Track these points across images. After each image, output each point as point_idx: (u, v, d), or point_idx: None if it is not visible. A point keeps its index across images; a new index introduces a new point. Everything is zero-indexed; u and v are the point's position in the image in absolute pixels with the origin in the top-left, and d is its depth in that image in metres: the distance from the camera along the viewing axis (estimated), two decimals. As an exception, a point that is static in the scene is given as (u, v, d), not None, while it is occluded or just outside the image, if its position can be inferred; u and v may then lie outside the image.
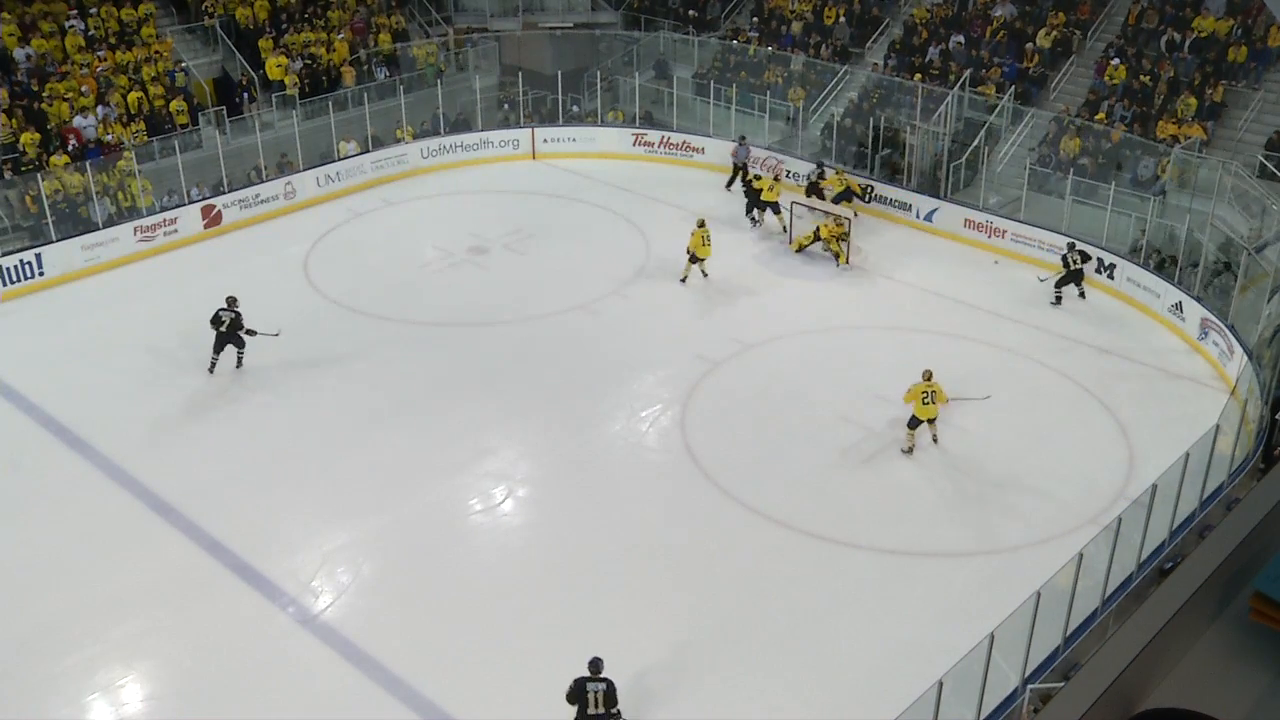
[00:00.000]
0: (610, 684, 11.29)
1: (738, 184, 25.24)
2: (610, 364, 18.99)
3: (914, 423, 16.19)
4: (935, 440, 16.44)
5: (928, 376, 16.05)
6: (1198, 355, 19.18)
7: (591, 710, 11.26)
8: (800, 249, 22.61)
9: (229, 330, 18.09)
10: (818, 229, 22.40)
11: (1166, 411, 17.64)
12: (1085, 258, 20.81)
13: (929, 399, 15.94)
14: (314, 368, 18.74)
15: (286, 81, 27.19)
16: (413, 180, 26.72)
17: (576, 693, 11.26)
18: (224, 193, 24.09)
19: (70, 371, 18.57)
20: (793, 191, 24.34)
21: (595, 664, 11.33)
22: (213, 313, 18.11)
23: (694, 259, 21.29)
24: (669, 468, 16.25)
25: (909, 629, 13.18)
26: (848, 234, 22.17)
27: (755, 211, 23.88)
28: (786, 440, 16.86)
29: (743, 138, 26.30)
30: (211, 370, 18.25)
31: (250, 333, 18.29)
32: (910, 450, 16.28)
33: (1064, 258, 20.85)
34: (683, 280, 21.43)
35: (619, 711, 11.41)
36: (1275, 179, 21.62)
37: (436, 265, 22.65)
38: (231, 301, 18.26)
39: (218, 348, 18.16)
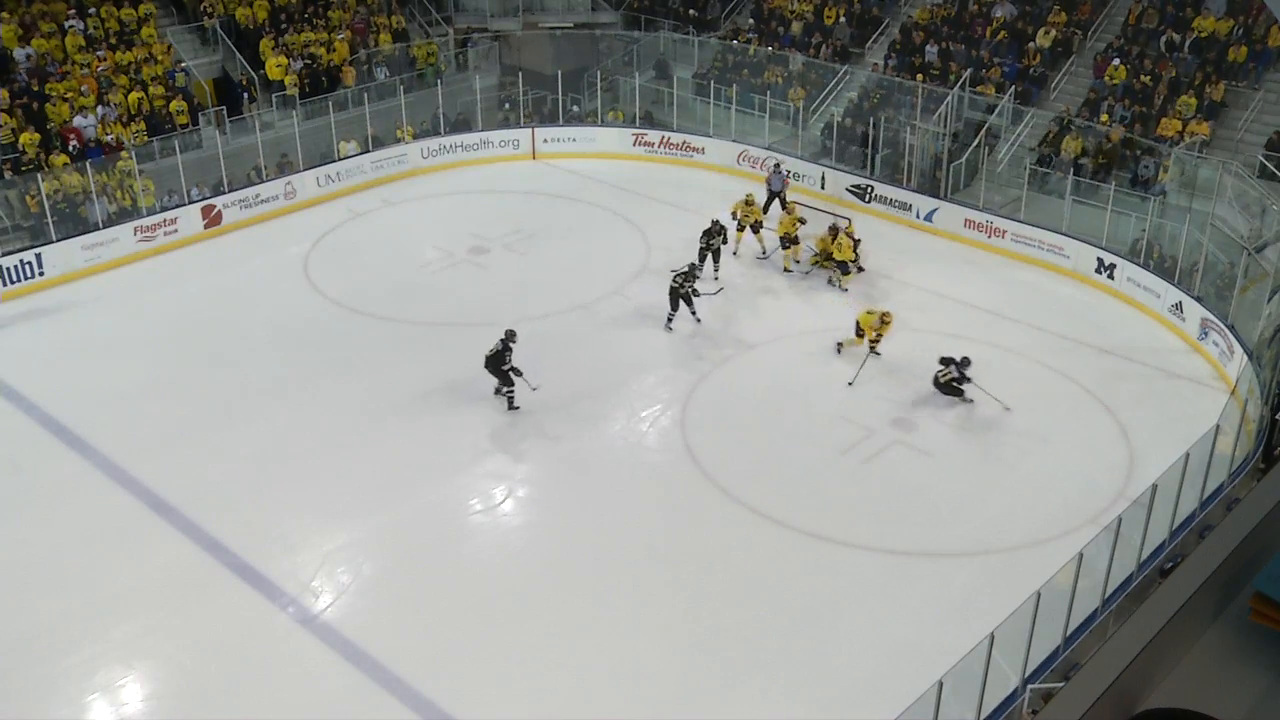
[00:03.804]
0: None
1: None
2: (610, 364, 18.99)
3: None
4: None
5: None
6: (1198, 355, 19.18)
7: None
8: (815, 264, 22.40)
9: (489, 363, 17.02)
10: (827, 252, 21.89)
11: (1166, 411, 17.64)
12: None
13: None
14: (314, 368, 18.74)
15: (286, 81, 27.19)
16: (413, 180, 26.73)
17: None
18: (224, 193, 24.09)
19: (70, 371, 18.58)
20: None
21: None
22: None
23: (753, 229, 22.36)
24: (669, 468, 16.25)
25: (909, 629, 13.18)
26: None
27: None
28: (786, 440, 16.86)
29: (778, 164, 24.90)
30: (498, 394, 17.42)
31: (516, 371, 17.04)
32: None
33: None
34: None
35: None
36: (1275, 179, 21.62)
37: (436, 265, 22.65)
38: (508, 335, 17.12)
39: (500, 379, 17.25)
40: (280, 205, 24.79)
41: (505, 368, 17.03)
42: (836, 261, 21.31)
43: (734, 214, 22.31)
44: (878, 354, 18.71)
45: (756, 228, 22.50)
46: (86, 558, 14.26)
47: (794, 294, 21.38)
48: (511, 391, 17.18)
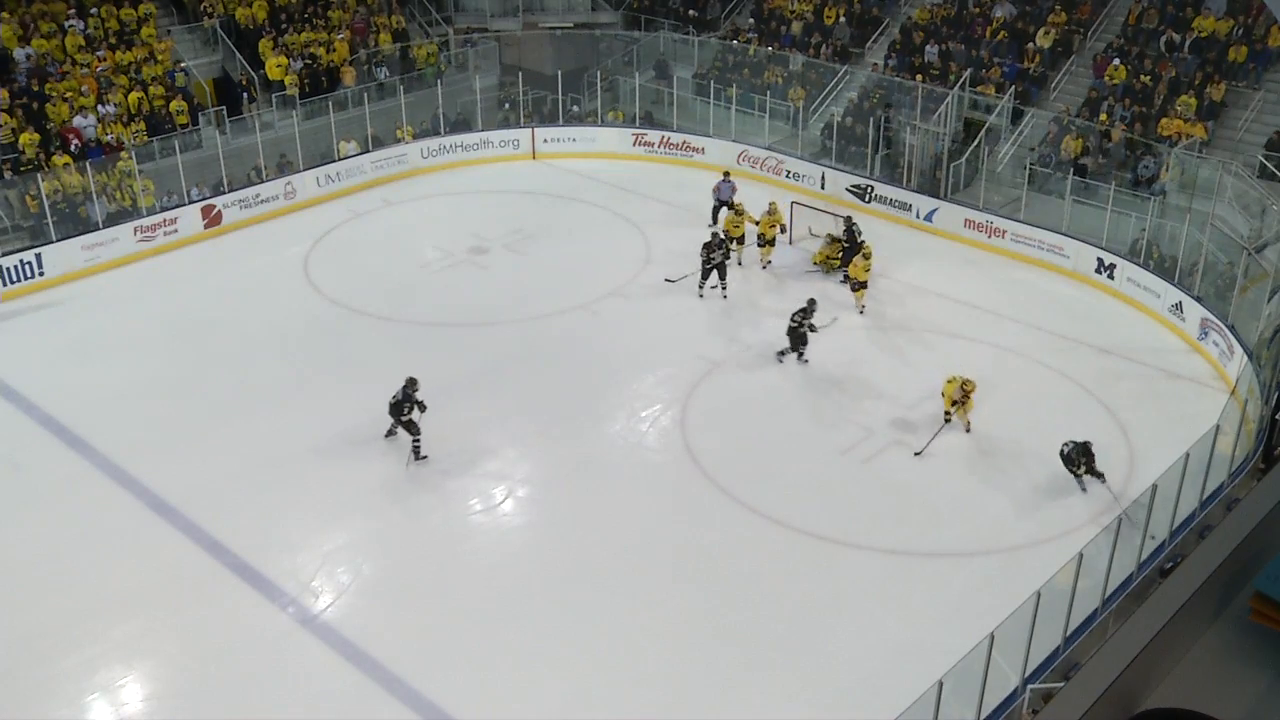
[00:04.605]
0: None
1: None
2: (610, 364, 18.99)
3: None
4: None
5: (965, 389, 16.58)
6: (1198, 355, 19.17)
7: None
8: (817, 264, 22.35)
9: (390, 409, 15.89)
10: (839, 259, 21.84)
11: (1166, 411, 17.64)
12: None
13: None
14: (314, 368, 18.75)
15: (286, 81, 27.19)
16: (413, 180, 26.73)
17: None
18: (224, 193, 24.10)
19: (70, 371, 18.57)
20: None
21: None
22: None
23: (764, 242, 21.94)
24: (669, 468, 16.25)
25: (909, 629, 13.17)
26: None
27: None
28: (786, 440, 16.86)
29: (727, 173, 24.27)
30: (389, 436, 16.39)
31: (413, 426, 15.84)
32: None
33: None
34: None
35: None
36: (1275, 179, 21.62)
37: (436, 265, 22.65)
38: (409, 383, 15.89)
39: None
40: (280, 205, 24.79)
41: (404, 418, 15.87)
42: (854, 282, 20.56)
43: (728, 230, 21.79)
44: (948, 421, 16.83)
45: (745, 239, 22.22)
46: (86, 558, 14.26)
47: (794, 294, 21.31)
48: (418, 441, 15.94)
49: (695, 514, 15.25)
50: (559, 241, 23.51)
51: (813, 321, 18.41)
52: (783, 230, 22.18)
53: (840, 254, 21.80)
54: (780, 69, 28.70)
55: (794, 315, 18.47)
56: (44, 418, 17.26)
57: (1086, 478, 15.48)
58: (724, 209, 23.18)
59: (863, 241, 21.36)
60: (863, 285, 20.48)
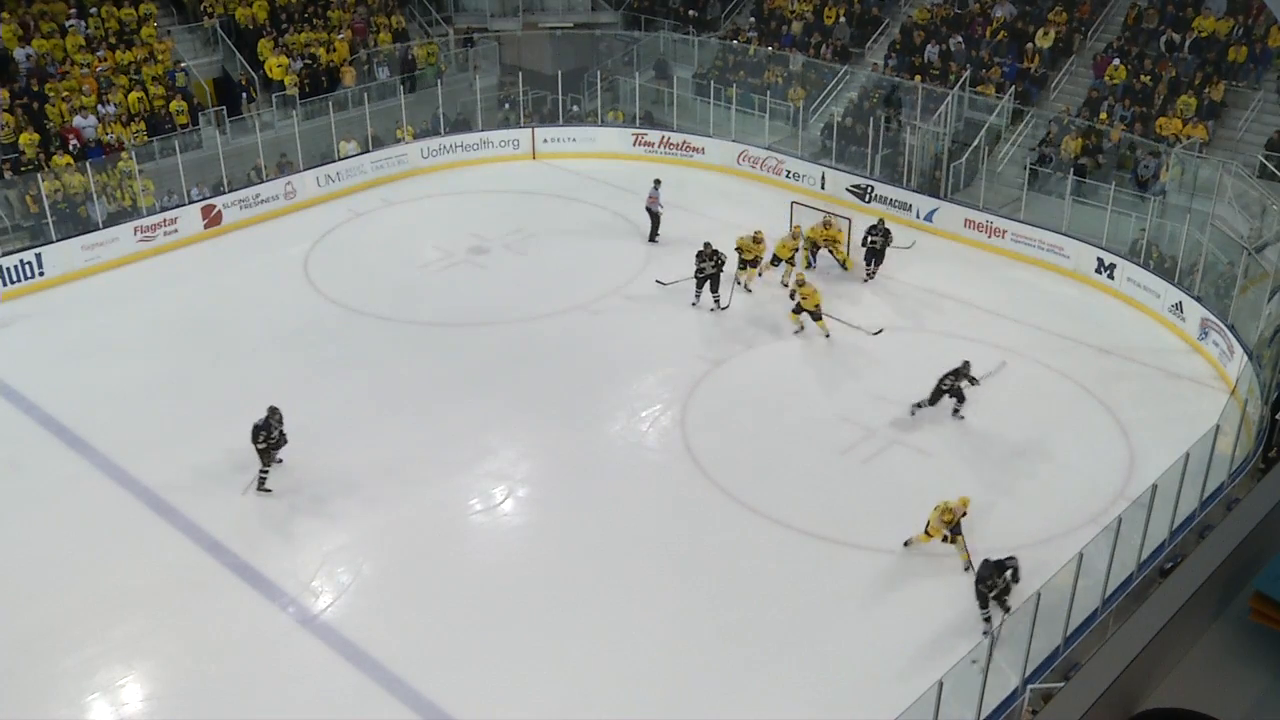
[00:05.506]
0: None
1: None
2: (610, 364, 18.99)
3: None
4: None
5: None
6: (1198, 355, 19.18)
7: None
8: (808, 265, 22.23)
9: (252, 434, 15.23)
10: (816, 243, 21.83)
11: (1166, 411, 17.65)
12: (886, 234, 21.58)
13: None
14: (314, 367, 18.74)
15: (286, 81, 27.19)
16: (413, 180, 26.73)
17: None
18: (224, 193, 24.10)
19: (70, 371, 18.57)
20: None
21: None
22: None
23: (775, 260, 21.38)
24: (669, 468, 16.25)
25: (909, 629, 13.17)
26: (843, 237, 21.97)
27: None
28: (786, 440, 16.87)
29: (658, 181, 23.44)
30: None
31: (267, 457, 15.27)
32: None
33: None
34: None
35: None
36: (1275, 179, 21.62)
37: (436, 265, 22.65)
38: (270, 411, 15.31)
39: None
40: (280, 205, 24.79)
41: (260, 446, 15.13)
42: (807, 310, 19.38)
43: (740, 248, 20.88)
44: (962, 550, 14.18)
45: (776, 260, 21.54)
46: (87, 557, 14.26)
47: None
48: (264, 473, 15.29)
49: (695, 514, 15.25)
50: (559, 241, 23.51)
51: (973, 375, 16.93)
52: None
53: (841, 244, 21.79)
54: (780, 69, 28.70)
55: (944, 378, 16.92)
56: (44, 418, 17.26)
57: (994, 607, 12.91)
58: (659, 223, 23.09)
59: (869, 247, 21.56)
60: (815, 313, 19.29)
